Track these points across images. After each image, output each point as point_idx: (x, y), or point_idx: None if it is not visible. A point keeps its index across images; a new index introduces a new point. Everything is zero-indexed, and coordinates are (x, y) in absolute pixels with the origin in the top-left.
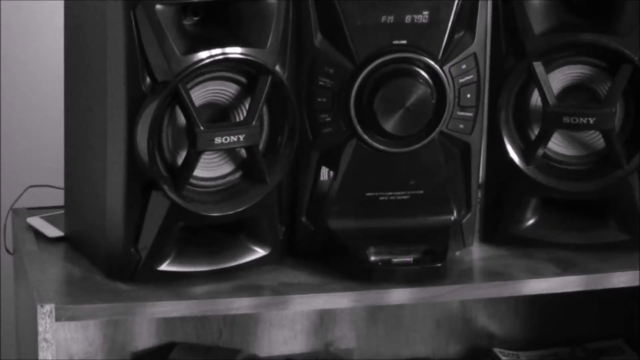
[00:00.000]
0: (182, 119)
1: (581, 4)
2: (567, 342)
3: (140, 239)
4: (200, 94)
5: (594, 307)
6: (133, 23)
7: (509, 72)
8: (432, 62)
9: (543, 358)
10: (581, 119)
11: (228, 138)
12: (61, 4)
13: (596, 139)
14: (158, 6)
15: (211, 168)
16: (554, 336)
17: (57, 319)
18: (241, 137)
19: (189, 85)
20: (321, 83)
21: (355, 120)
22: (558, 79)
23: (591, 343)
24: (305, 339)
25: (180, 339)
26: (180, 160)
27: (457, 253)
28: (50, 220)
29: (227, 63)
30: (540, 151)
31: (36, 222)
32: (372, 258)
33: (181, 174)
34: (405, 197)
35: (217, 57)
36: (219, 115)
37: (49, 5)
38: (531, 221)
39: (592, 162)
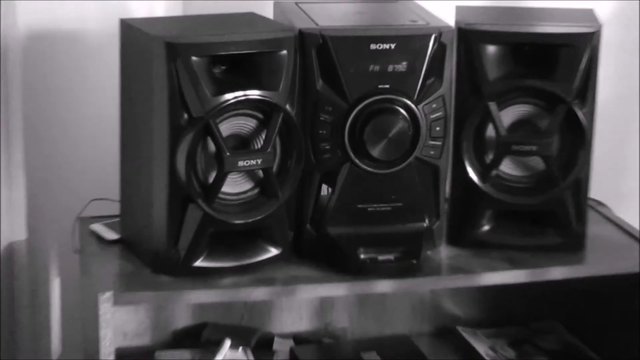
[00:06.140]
0: (212, 147)
1: (527, 55)
2: (514, 322)
3: (179, 241)
4: (226, 127)
5: (536, 295)
6: (174, 72)
7: (469, 110)
8: (409, 102)
9: (495, 334)
10: (526, 147)
11: (248, 162)
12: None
13: (538, 163)
14: (194, 58)
15: (235, 185)
16: (504, 317)
17: (115, 303)
18: (259, 161)
19: (217, 120)
20: (322, 118)
21: (349, 148)
22: (508, 115)
23: (533, 323)
24: (308, 320)
25: (211, 320)
26: (211, 180)
27: (429, 252)
28: (109, 226)
29: (248, 102)
30: (494, 172)
31: (97, 228)
32: (362, 256)
33: (211, 190)
34: (388, 208)
35: (240, 98)
36: (241, 143)
37: (109, 55)
38: (487, 227)
39: (535, 181)
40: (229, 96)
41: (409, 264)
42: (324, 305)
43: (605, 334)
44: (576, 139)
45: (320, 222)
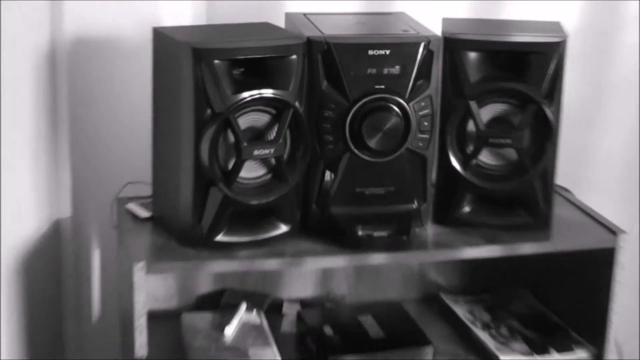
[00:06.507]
0: (231, 138)
1: (503, 60)
2: (489, 290)
3: (202, 219)
4: (244, 121)
5: (508, 267)
6: (199, 73)
7: (453, 108)
8: (401, 101)
9: (473, 300)
10: (501, 140)
11: (263, 151)
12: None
13: (512, 154)
14: (216, 61)
15: (251, 171)
16: (481, 286)
17: (147, 272)
18: (271, 151)
19: (236, 115)
20: (326, 114)
21: (349, 140)
22: (486, 112)
23: (505, 291)
24: (313, 288)
25: (229, 287)
26: (230, 166)
27: (417, 230)
28: (142, 206)
29: (262, 100)
30: (473, 161)
31: (132, 207)
32: (359, 233)
33: (231, 175)
34: (382, 192)
35: (255, 96)
36: (257, 135)
37: (143, 58)
38: (467, 209)
39: (509, 169)
40: (246, 94)
41: (400, 239)
42: (326, 275)
43: (567, 301)
44: (544, 133)
45: (324, 203)
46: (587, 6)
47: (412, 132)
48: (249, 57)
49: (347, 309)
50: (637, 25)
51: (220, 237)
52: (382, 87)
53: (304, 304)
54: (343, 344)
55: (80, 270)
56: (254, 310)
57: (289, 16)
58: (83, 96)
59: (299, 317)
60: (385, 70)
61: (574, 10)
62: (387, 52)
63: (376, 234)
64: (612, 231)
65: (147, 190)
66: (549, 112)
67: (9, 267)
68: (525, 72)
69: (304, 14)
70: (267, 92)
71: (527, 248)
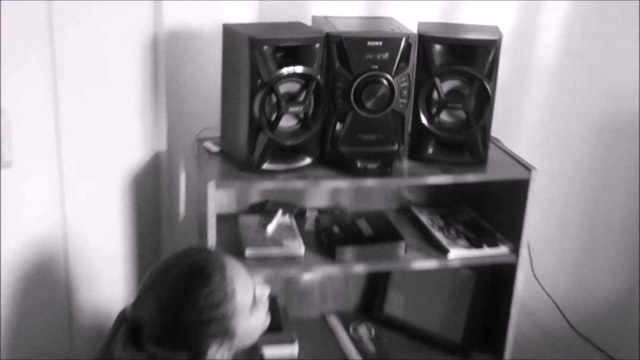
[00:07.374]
0: (274, 99)
1: (458, 50)
2: (444, 205)
3: (254, 153)
4: (282, 88)
5: (457, 190)
6: (253, 55)
7: (423, 82)
8: (389, 76)
9: (432, 212)
10: (456, 105)
11: (295, 108)
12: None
13: (462, 114)
14: (265, 47)
15: (287, 121)
16: (439, 202)
17: (217, 187)
18: (301, 108)
19: (278, 84)
20: (338, 85)
21: (353, 102)
22: (446, 86)
23: (455, 206)
24: (325, 200)
25: (271, 199)
26: (273, 118)
27: (397, 164)
28: (214, 143)
29: (295, 74)
30: (436, 119)
31: (207, 144)
32: (359, 165)
33: (274, 124)
34: (374, 137)
35: (290, 71)
36: (291, 97)
37: (216, 44)
38: (431, 150)
39: (460, 125)
40: (284, 70)
41: (386, 170)
42: (335, 192)
43: (495, 214)
44: (484, 101)
45: (335, 144)
46: (517, 15)
47: (396, 98)
48: (287, 45)
49: (348, 215)
50: (548, 29)
51: (265, 166)
52: (376, 67)
53: (320, 211)
54: (345, 238)
55: (172, 187)
56: (287, 215)
57: (314, 18)
58: (175, 69)
59: (317, 220)
60: (379, 56)
61: (508, 18)
62: (380, 43)
63: (369, 165)
64: (527, 168)
65: (217, 133)
66: (488, 86)
67: (124, 185)
68: (473, 59)
69: (325, 17)
70: (299, 69)
71: (470, 177)
